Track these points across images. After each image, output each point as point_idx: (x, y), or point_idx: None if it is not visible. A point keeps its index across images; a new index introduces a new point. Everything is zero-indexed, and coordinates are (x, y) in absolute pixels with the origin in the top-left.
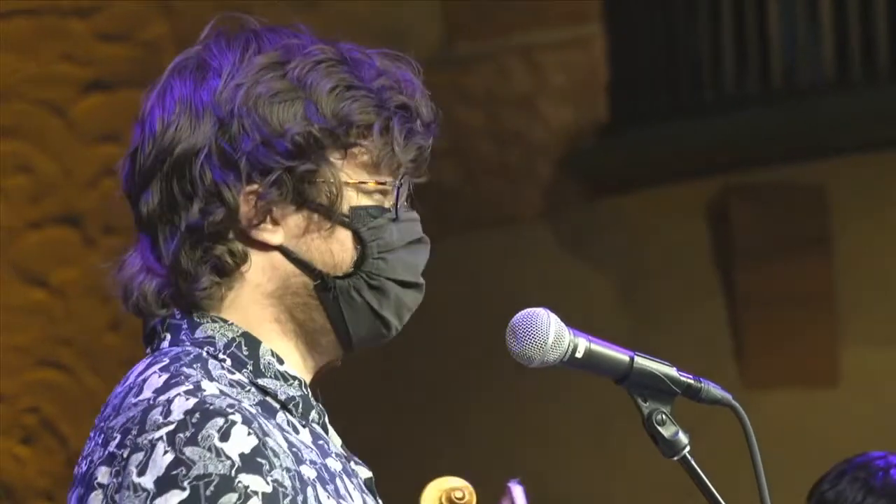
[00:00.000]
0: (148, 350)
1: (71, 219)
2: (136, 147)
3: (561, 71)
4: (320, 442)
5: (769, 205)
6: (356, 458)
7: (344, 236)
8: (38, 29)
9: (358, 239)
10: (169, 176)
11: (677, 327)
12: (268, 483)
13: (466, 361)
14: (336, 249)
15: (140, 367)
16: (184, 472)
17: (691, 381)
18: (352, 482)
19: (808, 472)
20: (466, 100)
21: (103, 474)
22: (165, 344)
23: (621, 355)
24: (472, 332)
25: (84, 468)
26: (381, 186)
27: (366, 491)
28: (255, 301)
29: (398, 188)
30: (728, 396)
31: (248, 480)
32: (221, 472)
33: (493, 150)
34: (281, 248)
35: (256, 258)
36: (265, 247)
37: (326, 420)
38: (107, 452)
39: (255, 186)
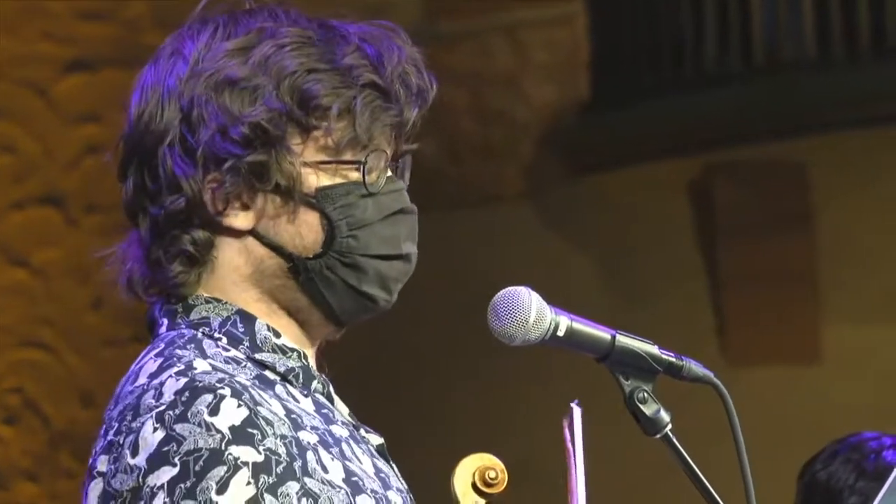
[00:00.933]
0: (151, 337)
1: (53, 199)
2: (122, 134)
3: (544, 49)
4: (324, 411)
5: (751, 182)
6: (366, 427)
7: (312, 218)
8: (18, 8)
9: (326, 219)
10: (141, 165)
11: (659, 305)
12: (259, 452)
13: (448, 340)
14: (304, 231)
15: (141, 355)
16: (174, 447)
17: (673, 359)
18: (360, 447)
19: (790, 449)
20: (449, 78)
21: (102, 462)
22: (163, 329)
23: (603, 333)
24: (455, 310)
25: (90, 460)
26: (348, 165)
27: (377, 455)
28: (235, 283)
29: (364, 166)
30: (710, 374)
31: (239, 452)
32: (211, 446)
33: (476, 129)
34: (252, 232)
35: (231, 243)
36: (238, 232)
37: (332, 390)
38: (106, 441)
39: (214, 175)
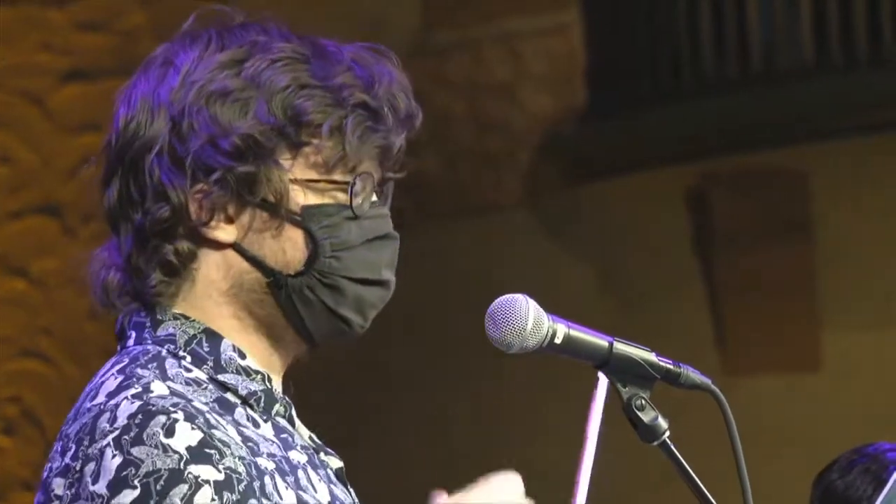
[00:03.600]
0: (119, 347)
1: (51, 208)
2: (105, 145)
3: (540, 58)
4: (283, 435)
5: (749, 191)
6: (326, 449)
7: (296, 235)
8: (16, 19)
9: (310, 238)
10: (126, 172)
11: (658, 314)
12: (219, 471)
13: (447, 348)
14: (288, 248)
15: (107, 365)
16: (133, 471)
17: (670, 366)
18: (318, 473)
19: (789, 457)
20: (446, 88)
21: (59, 486)
22: (131, 342)
23: (600, 341)
24: (453, 318)
25: (45, 474)
26: (335, 185)
27: (335, 481)
28: (210, 297)
29: (352, 187)
30: (707, 381)
31: (199, 470)
32: (170, 466)
33: (473, 138)
34: (234, 246)
35: (211, 255)
36: (219, 244)
37: (293, 413)
38: (63, 464)
39: (202, 185)
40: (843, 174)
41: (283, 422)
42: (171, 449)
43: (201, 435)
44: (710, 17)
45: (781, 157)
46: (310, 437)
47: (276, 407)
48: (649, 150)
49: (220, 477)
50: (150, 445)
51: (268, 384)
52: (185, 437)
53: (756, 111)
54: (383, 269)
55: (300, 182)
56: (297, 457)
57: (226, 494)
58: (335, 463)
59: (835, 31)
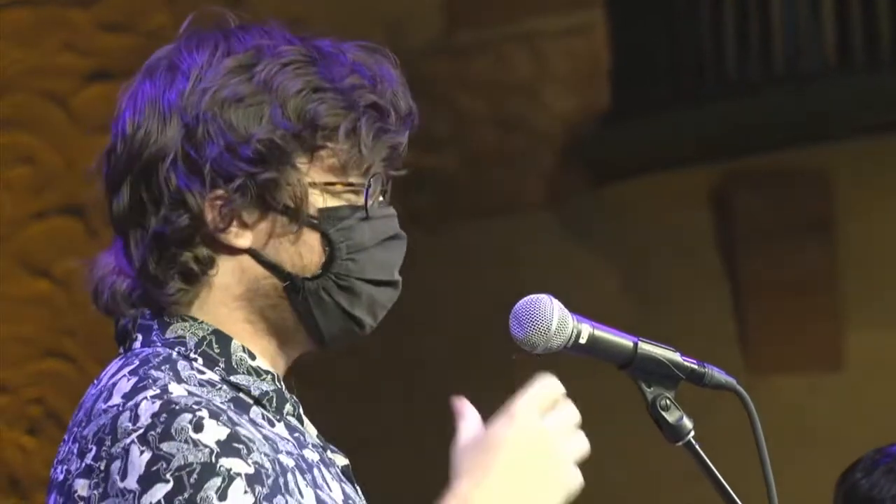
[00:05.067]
0: (121, 350)
1: (74, 209)
2: (110, 147)
3: (563, 58)
4: (296, 434)
5: (772, 191)
6: (332, 447)
7: (312, 238)
8: (39, 19)
9: (326, 241)
10: (137, 179)
11: (681, 314)
12: (248, 465)
13: (469, 349)
14: (304, 252)
15: (112, 368)
16: (164, 465)
17: (695, 366)
18: (329, 472)
19: (813, 456)
20: (468, 88)
21: (82, 487)
22: (137, 344)
23: (625, 341)
24: (475, 319)
25: (61, 476)
26: (350, 187)
27: (343, 479)
28: (224, 303)
29: (367, 188)
30: (732, 381)
31: (230, 463)
32: (202, 459)
33: (496, 138)
34: (250, 252)
35: (226, 261)
36: (234, 250)
37: (301, 411)
38: (84, 464)
39: (220, 192)
40: (866, 174)
41: (293, 421)
42: (202, 443)
43: (228, 430)
44: (733, 19)
45: (804, 157)
46: (317, 436)
47: (287, 406)
48: (672, 150)
49: (251, 470)
50: (180, 440)
51: (278, 384)
52: (214, 432)
53: (779, 112)
54: (394, 269)
55: (318, 185)
56: (311, 455)
57: (257, 488)
58: (341, 461)
59: (857, 32)
